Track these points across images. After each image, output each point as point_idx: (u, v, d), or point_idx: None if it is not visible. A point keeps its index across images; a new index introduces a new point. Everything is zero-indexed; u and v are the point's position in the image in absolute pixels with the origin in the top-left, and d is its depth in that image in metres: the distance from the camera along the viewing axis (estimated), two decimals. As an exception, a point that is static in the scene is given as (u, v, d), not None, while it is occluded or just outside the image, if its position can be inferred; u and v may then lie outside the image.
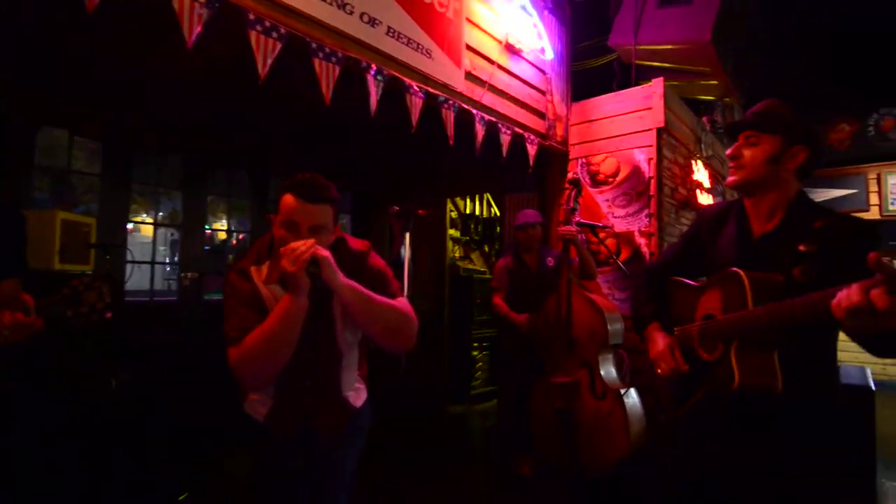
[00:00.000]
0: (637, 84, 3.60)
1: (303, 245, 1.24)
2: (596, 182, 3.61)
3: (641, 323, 1.59)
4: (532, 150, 3.30)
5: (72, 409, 2.61)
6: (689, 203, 3.76)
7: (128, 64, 2.93)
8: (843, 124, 6.73)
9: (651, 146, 3.37)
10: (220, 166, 4.94)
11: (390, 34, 2.35)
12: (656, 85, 3.38)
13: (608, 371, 2.76)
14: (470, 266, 5.59)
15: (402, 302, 1.47)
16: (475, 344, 5.13)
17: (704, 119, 4.45)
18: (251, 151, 4.86)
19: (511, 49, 3.19)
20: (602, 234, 3.31)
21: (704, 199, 3.87)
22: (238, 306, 1.37)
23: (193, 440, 2.95)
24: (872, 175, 6.52)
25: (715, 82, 3.79)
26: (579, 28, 4.00)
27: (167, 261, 5.54)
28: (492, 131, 2.98)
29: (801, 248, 1.23)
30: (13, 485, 2.11)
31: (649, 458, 2.67)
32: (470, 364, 5.06)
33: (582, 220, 2.95)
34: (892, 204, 6.36)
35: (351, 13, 2.17)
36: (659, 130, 3.36)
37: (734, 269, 1.28)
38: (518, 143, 3.22)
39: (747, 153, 1.36)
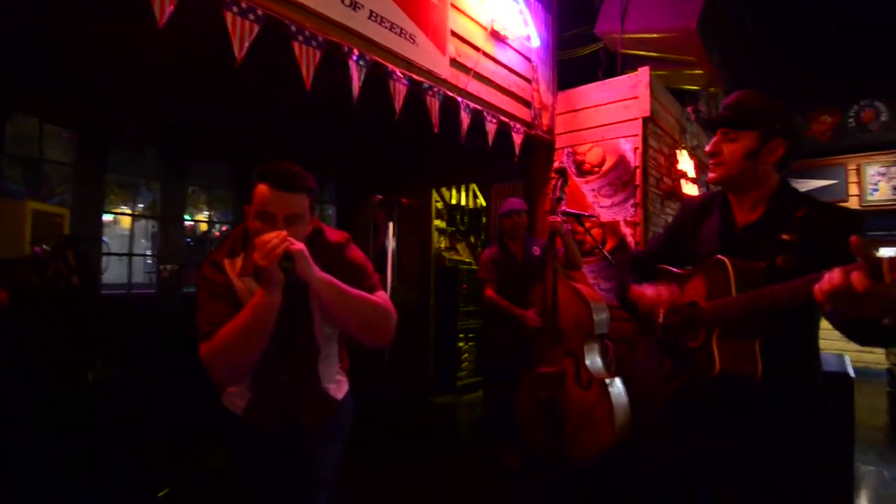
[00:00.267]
0: (623, 73, 3.58)
1: (275, 238, 1.18)
2: (582, 172, 3.60)
3: (625, 291, 1.56)
4: (518, 139, 3.27)
5: (46, 401, 2.54)
6: (675, 193, 3.76)
7: (103, 51, 2.82)
8: (825, 116, 6.82)
9: (637, 136, 3.36)
10: (200, 156, 4.83)
11: (373, 18, 2.29)
12: (642, 74, 3.36)
13: (593, 361, 2.76)
14: (456, 257, 5.57)
15: (381, 296, 1.43)
16: (461, 335, 5.11)
17: (689, 109, 4.46)
18: (233, 141, 4.76)
19: (496, 36, 3.14)
20: (588, 224, 3.30)
21: (689, 188, 3.88)
22: (210, 299, 1.33)
23: (173, 435, 2.90)
24: (852, 166, 6.62)
25: (700, 72, 3.79)
26: (565, 16, 3.96)
27: (147, 253, 5.41)
28: (477, 120, 2.94)
29: (784, 236, 1.23)
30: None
31: (635, 447, 2.69)
32: (456, 355, 5.05)
33: (568, 210, 2.93)
34: (871, 194, 6.48)
35: (332, -5, 2.11)
36: (645, 120, 3.35)
37: (719, 256, 1.27)
38: (504, 132, 3.18)
39: (726, 149, 1.34)
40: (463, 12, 2.90)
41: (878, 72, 6.14)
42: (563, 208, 2.87)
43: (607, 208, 3.46)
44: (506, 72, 3.28)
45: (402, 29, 2.44)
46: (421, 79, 2.55)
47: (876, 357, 5.91)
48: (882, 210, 6.34)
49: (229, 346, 1.25)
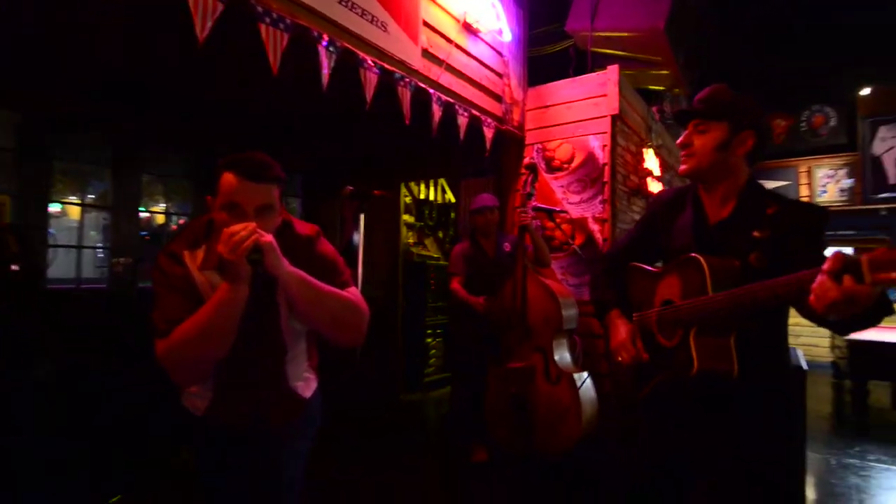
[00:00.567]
0: (592, 71, 3.62)
1: (243, 230, 1.10)
2: (551, 168, 3.61)
3: (603, 309, 1.58)
4: (489, 133, 3.25)
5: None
6: (641, 190, 3.83)
7: (45, 24, 2.62)
8: (779, 119, 7.12)
9: (606, 133, 3.40)
10: (156, 143, 4.59)
11: (343, 3, 2.21)
12: (611, 72, 3.40)
13: (562, 356, 2.78)
14: (424, 252, 5.52)
15: (353, 292, 1.37)
16: (429, 331, 5.08)
17: (654, 109, 4.56)
18: (192, 127, 4.54)
19: (469, 28, 3.11)
20: (558, 220, 3.32)
21: (655, 186, 3.96)
22: (168, 293, 1.24)
23: (125, 437, 2.75)
24: (803, 168, 6.95)
25: (666, 72, 3.87)
26: (535, 13, 3.96)
27: (98, 246, 5.11)
28: (449, 113, 2.90)
29: (756, 234, 1.25)
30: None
31: (604, 442, 2.72)
32: (424, 351, 5.01)
33: (539, 206, 2.94)
34: (820, 195, 6.82)
35: (300, -23, 2.02)
36: (614, 118, 3.39)
37: (693, 254, 1.28)
38: (475, 126, 3.15)
39: (697, 141, 1.36)
40: (435, 2, 2.85)
41: (828, 78, 6.46)
42: (535, 204, 2.88)
43: (576, 204, 3.49)
44: (477, 65, 3.25)
45: (373, 16, 2.37)
46: (393, 68, 2.48)
47: (821, 351, 6.25)
48: (830, 211, 6.67)
49: (189, 344, 1.16)
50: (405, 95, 2.55)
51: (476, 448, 3.18)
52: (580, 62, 3.96)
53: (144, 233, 5.05)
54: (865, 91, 6.37)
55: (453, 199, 5.65)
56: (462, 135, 2.98)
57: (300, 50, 2.03)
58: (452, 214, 5.82)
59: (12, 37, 2.76)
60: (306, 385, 1.46)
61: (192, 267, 1.27)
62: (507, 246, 3.16)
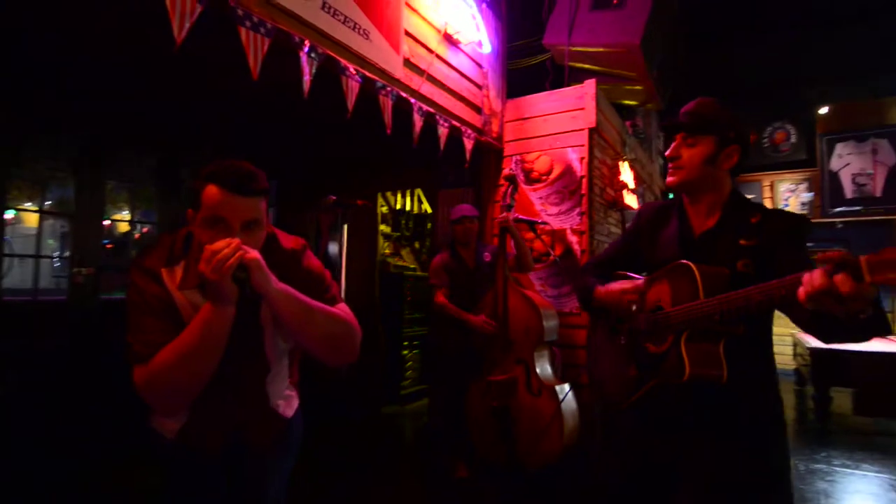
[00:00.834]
0: (569, 85, 3.67)
1: (227, 247, 1.03)
2: (530, 180, 3.63)
3: (587, 292, 1.56)
4: (469, 144, 3.25)
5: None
6: (617, 203, 3.89)
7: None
8: (744, 135, 7.39)
9: (583, 146, 3.44)
10: (121, 147, 4.40)
11: (326, 9, 2.17)
12: (589, 86, 3.45)
13: (543, 368, 2.77)
14: (400, 263, 5.46)
15: (343, 308, 1.31)
16: (405, 343, 5.01)
17: (627, 123, 4.66)
18: (161, 131, 4.39)
19: (449, 39, 3.11)
20: (539, 230, 3.33)
21: (630, 199, 4.03)
22: (145, 314, 1.14)
23: (83, 457, 2.59)
24: (767, 182, 7.23)
25: (640, 87, 3.95)
26: (513, 27, 4.01)
27: (55, 255, 4.84)
28: (430, 123, 2.89)
29: (742, 242, 1.28)
30: None
31: (585, 453, 2.71)
32: (401, 363, 4.93)
33: (521, 217, 2.94)
34: (783, 208, 7.08)
35: (282, -19, 1.97)
36: (591, 131, 3.44)
37: (684, 261, 1.28)
38: (455, 136, 3.14)
39: (685, 154, 1.38)
40: (417, 12, 2.84)
41: (789, 96, 6.75)
42: (515, 215, 2.88)
43: (554, 216, 3.51)
44: (458, 76, 3.25)
45: (356, 23, 2.34)
46: (374, 77, 2.45)
47: (784, 358, 6.45)
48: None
49: (173, 370, 1.08)
50: (387, 105, 2.52)
51: (456, 464, 3.12)
52: (557, 76, 4.02)
53: (107, 241, 4.83)
54: (824, 109, 6.68)
55: (430, 210, 5.62)
56: (442, 145, 2.97)
57: (280, 55, 1.98)
58: (429, 225, 5.78)
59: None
60: (287, 404, 1.40)
61: (171, 286, 1.18)
62: (487, 256, 3.14)
